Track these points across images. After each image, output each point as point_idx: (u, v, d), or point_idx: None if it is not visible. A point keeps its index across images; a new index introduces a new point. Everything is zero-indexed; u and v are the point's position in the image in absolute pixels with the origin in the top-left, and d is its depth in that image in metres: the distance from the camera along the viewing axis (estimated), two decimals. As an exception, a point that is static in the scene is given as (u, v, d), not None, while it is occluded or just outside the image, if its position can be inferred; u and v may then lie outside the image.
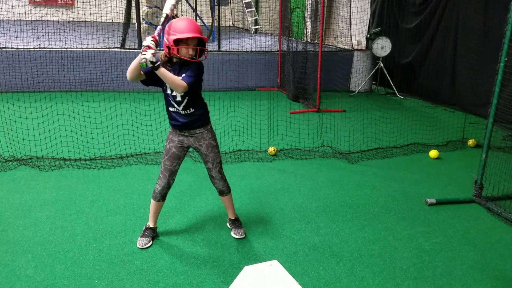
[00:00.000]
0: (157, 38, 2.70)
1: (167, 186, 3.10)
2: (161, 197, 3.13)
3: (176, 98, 2.92)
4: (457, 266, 2.99)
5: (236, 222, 3.36)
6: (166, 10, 2.83)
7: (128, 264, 2.89)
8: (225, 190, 3.24)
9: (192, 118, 2.98)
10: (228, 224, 3.40)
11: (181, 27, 2.77)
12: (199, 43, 2.86)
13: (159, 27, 2.79)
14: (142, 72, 2.80)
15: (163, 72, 2.71)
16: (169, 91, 2.91)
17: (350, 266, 2.96)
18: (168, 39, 2.79)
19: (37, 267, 2.82)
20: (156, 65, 2.66)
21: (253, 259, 3.00)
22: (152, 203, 3.17)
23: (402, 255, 3.11)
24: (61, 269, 2.81)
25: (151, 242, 3.14)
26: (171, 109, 2.98)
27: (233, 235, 3.29)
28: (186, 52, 2.80)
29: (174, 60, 2.90)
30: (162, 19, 2.81)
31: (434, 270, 2.94)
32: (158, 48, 2.72)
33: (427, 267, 2.97)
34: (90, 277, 2.74)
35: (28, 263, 2.86)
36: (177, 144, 3.06)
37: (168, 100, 2.97)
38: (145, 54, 2.61)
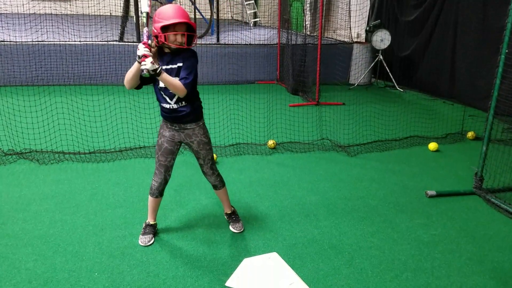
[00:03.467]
0: (148, 42, 2.63)
1: (164, 182, 3.04)
2: (159, 193, 3.07)
3: (168, 91, 2.79)
4: (456, 258, 3.00)
5: (233, 216, 3.33)
6: (145, 8, 2.73)
7: (128, 257, 2.90)
8: (218, 185, 3.19)
9: (184, 112, 2.87)
10: (226, 218, 3.40)
11: (167, 13, 2.68)
12: (188, 30, 2.75)
13: (145, 30, 2.68)
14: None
15: (165, 77, 2.64)
16: (161, 85, 2.79)
17: (349, 258, 2.97)
18: (155, 27, 2.69)
19: (37, 260, 2.83)
20: (158, 71, 2.59)
21: (253, 251, 3.00)
22: (150, 199, 3.11)
23: (401, 247, 3.12)
24: (61, 262, 2.82)
25: (153, 239, 3.10)
26: (163, 104, 2.88)
27: (231, 229, 3.27)
28: (174, 39, 2.69)
29: (165, 50, 2.80)
30: (144, 20, 2.72)
31: (432, 261, 2.96)
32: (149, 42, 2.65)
33: (425, 259, 2.99)
34: (90, 270, 2.75)
35: (28, 256, 2.87)
36: (169, 139, 2.97)
37: (160, 94, 2.86)
38: (145, 65, 2.54)
